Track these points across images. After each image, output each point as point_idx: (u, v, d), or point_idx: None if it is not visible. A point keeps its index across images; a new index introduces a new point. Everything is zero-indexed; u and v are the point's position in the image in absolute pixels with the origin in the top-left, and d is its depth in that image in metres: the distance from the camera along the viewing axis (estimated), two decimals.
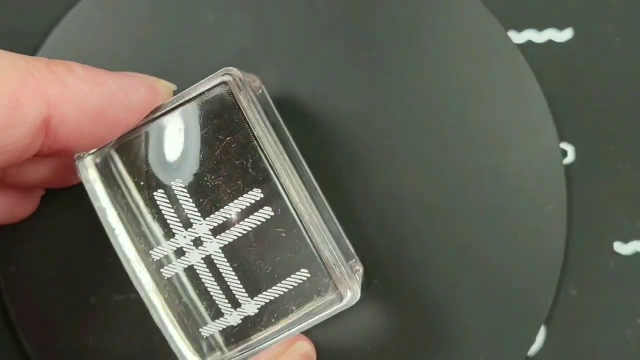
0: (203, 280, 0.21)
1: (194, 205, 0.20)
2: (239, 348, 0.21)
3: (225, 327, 0.21)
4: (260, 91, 0.22)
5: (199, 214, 0.20)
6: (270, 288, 0.20)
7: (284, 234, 0.20)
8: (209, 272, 0.21)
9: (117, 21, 0.25)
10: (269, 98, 0.23)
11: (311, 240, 0.20)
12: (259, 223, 0.20)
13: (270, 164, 0.20)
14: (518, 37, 0.26)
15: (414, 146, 0.25)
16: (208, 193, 0.20)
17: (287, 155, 0.21)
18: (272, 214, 0.20)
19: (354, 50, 0.25)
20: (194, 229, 0.20)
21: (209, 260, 0.20)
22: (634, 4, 0.26)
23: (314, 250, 0.20)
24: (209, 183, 0.20)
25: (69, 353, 0.25)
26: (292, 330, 0.21)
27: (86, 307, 0.25)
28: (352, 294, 0.20)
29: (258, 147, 0.20)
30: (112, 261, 0.25)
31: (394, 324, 0.25)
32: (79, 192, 0.25)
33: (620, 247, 0.25)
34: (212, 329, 0.21)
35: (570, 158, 0.26)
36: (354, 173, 0.25)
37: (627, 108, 0.26)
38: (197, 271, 0.21)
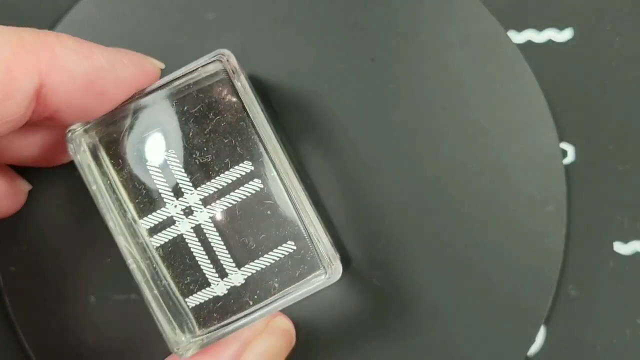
0: (192, 249, 0.21)
1: (185, 175, 0.21)
2: (222, 323, 0.21)
3: (211, 297, 0.21)
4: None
5: (190, 184, 0.21)
6: (257, 259, 0.21)
7: (272, 207, 0.21)
8: (198, 241, 0.21)
9: (117, 21, 0.25)
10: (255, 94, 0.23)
11: (298, 215, 0.21)
12: (248, 194, 0.21)
13: (260, 138, 0.21)
14: (518, 37, 0.26)
15: (414, 146, 0.25)
16: (199, 166, 0.21)
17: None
18: (262, 186, 0.21)
19: (353, 50, 0.25)
20: (185, 198, 0.21)
21: (198, 230, 0.21)
22: (634, 4, 0.26)
23: (301, 225, 0.21)
24: (197, 159, 0.21)
25: (69, 353, 0.25)
26: (276, 304, 0.21)
27: (86, 307, 0.25)
28: (335, 269, 0.21)
29: (249, 119, 0.21)
30: (112, 261, 0.25)
31: (393, 324, 0.25)
32: (79, 192, 0.25)
33: (620, 247, 0.25)
34: (198, 298, 0.21)
35: (570, 158, 0.26)
36: (353, 173, 0.25)
37: (627, 108, 0.26)
38: (187, 240, 0.21)
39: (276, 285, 0.21)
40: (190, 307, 0.21)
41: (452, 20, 0.25)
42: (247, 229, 0.21)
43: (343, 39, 0.25)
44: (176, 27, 0.25)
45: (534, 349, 0.25)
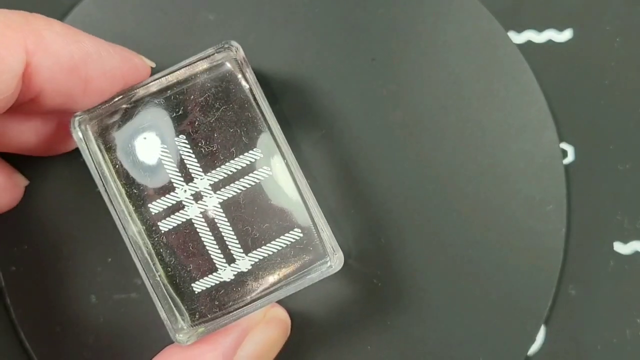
0: (200, 234, 0.21)
1: (196, 160, 0.21)
2: (225, 311, 0.21)
3: (217, 282, 0.21)
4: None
5: (200, 169, 0.21)
6: (264, 246, 0.21)
7: (279, 195, 0.21)
8: (207, 226, 0.21)
9: (118, 21, 0.25)
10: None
11: (304, 204, 0.21)
12: (257, 182, 0.21)
13: (269, 127, 0.21)
14: (518, 38, 0.26)
15: (414, 146, 0.25)
16: (207, 153, 0.21)
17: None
18: (271, 174, 0.21)
19: (353, 50, 0.25)
20: (195, 183, 0.21)
21: (207, 215, 0.21)
22: (634, 4, 0.26)
23: (307, 213, 0.21)
24: (205, 147, 0.21)
25: (70, 352, 0.25)
26: (280, 292, 0.21)
27: (87, 307, 0.25)
28: (338, 259, 0.21)
29: (258, 109, 0.21)
30: (113, 261, 0.25)
31: (393, 324, 0.25)
32: (81, 192, 0.25)
33: (620, 247, 0.25)
34: (204, 284, 0.21)
35: (570, 158, 0.26)
36: (353, 173, 0.25)
37: (627, 108, 0.26)
38: (195, 225, 0.21)
39: (280, 273, 0.21)
40: (195, 292, 0.21)
41: (452, 21, 0.25)
42: (254, 215, 0.21)
43: (343, 39, 0.25)
44: (176, 27, 0.25)
45: (534, 349, 0.25)
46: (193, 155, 0.21)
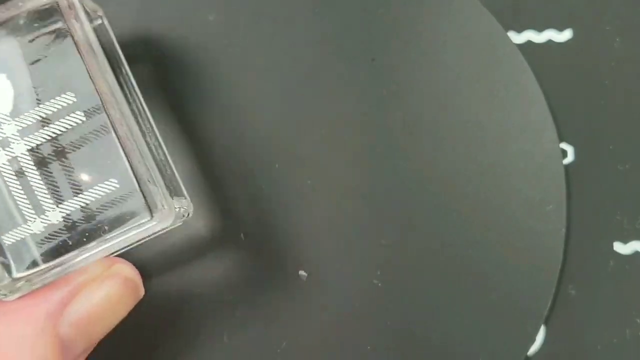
0: (8, 183, 0.20)
1: (2, 103, 0.20)
2: (45, 265, 0.20)
3: (27, 235, 0.20)
4: (101, 22, 0.22)
5: (7, 114, 0.20)
6: (76, 196, 0.20)
7: (96, 143, 0.20)
8: (14, 175, 0.20)
9: (118, 21, 0.25)
10: (112, 34, 0.22)
11: (126, 154, 0.20)
12: (69, 127, 0.20)
13: (89, 74, 0.20)
14: (518, 38, 0.26)
15: (414, 146, 0.25)
16: (22, 96, 0.20)
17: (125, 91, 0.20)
18: (84, 119, 0.20)
19: (354, 50, 0.25)
20: (2, 129, 0.20)
21: (15, 163, 0.20)
22: (634, 4, 0.26)
23: (126, 162, 0.20)
24: (23, 90, 0.20)
25: None
26: (103, 247, 0.20)
27: None
28: (164, 215, 0.20)
29: (82, 55, 0.20)
30: None
31: (393, 324, 0.25)
32: None
33: (619, 247, 0.25)
34: (14, 236, 0.20)
35: (570, 158, 0.26)
36: (354, 172, 0.25)
37: (627, 108, 0.26)
38: (3, 174, 0.20)
39: (105, 227, 0.20)
40: (5, 244, 0.20)
41: (452, 21, 0.25)
42: (66, 164, 0.20)
43: (343, 39, 0.25)
44: (176, 27, 0.25)
45: (534, 349, 0.25)
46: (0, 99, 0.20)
